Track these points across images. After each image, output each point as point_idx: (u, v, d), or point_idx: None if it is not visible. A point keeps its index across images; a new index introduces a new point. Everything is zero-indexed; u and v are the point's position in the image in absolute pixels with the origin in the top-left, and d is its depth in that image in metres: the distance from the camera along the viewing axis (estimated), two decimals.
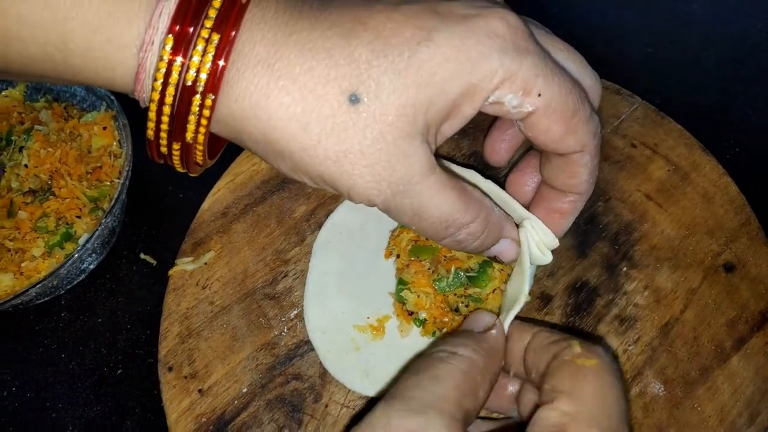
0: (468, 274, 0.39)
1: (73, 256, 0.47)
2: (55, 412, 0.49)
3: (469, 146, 0.52)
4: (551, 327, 0.35)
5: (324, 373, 0.43)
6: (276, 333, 0.45)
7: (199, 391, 0.43)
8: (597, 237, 0.48)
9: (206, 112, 0.28)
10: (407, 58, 0.28)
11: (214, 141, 0.31)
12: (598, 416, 0.27)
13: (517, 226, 0.37)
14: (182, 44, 0.26)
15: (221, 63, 0.27)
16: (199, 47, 0.26)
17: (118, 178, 0.52)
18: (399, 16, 0.28)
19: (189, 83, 0.27)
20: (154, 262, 0.54)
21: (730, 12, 0.68)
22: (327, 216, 0.49)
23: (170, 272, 0.47)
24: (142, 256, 0.54)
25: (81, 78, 0.28)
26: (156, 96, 0.27)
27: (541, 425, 0.27)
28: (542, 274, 0.46)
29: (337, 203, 0.49)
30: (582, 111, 0.31)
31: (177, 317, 0.46)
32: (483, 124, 0.53)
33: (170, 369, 0.44)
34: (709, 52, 0.64)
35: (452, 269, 0.39)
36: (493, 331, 0.34)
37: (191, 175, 0.32)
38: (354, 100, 0.28)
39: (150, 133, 0.29)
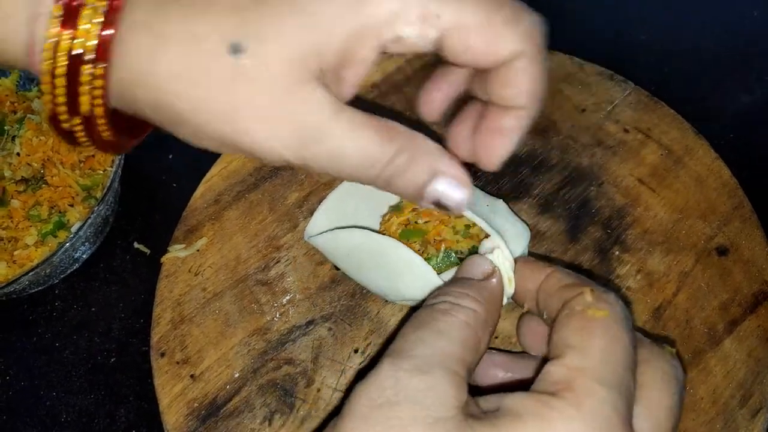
0: (458, 255, 0.39)
1: (65, 244, 0.47)
2: (49, 400, 0.49)
3: None
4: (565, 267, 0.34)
5: (316, 358, 0.43)
6: (268, 318, 0.45)
7: (191, 376, 0.43)
8: (589, 221, 0.48)
9: (98, 82, 0.27)
10: (289, 1, 0.26)
11: (136, 120, 0.30)
12: (604, 371, 0.26)
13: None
14: (70, 13, 0.26)
15: (109, 31, 0.26)
16: (86, 15, 0.26)
17: (111, 167, 0.52)
18: None
19: (77, 52, 0.26)
20: (147, 251, 0.54)
21: None
22: (319, 202, 0.48)
23: (162, 259, 0.47)
24: (136, 245, 0.54)
25: None
26: (47, 67, 0.26)
27: (547, 380, 0.27)
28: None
29: (330, 190, 0.49)
30: (501, 11, 0.28)
31: (169, 303, 0.46)
32: None
33: (162, 355, 0.44)
34: (705, 39, 0.64)
35: (442, 249, 0.39)
36: (493, 280, 0.33)
37: (112, 153, 0.32)
38: (236, 49, 0.26)
39: (47, 107, 0.28)
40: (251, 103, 0.27)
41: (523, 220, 0.44)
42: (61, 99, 0.27)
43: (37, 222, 0.50)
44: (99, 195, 0.51)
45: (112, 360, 0.50)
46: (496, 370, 0.34)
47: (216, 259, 0.47)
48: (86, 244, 0.51)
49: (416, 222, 0.41)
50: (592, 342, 0.27)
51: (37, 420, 0.48)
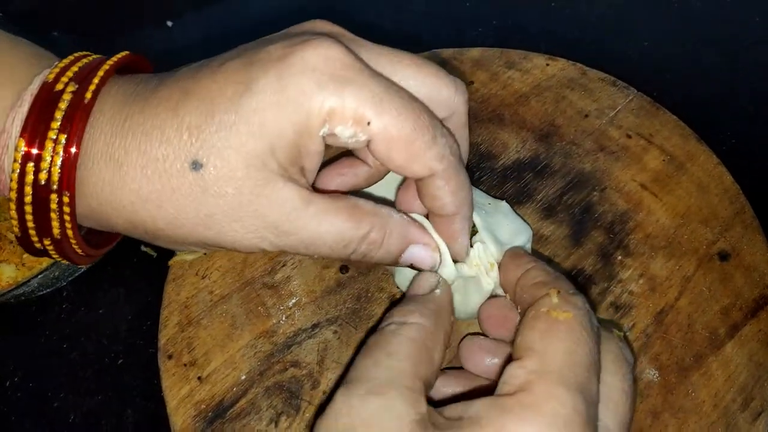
0: None
1: None
2: (57, 401, 0.49)
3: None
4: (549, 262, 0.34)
5: (322, 360, 0.43)
6: (274, 321, 0.45)
7: (199, 378, 0.43)
8: (592, 226, 0.48)
9: (66, 209, 0.29)
10: (234, 113, 0.28)
11: (105, 232, 0.33)
12: (565, 373, 0.26)
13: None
14: (33, 146, 0.28)
15: (70, 161, 0.28)
16: (49, 148, 0.28)
17: None
18: (220, 77, 0.29)
19: (43, 183, 0.28)
20: (154, 254, 0.54)
21: (728, 6, 0.68)
22: None
23: (170, 262, 0.48)
24: (143, 248, 0.55)
25: None
26: (14, 195, 0.28)
27: (508, 383, 0.27)
28: None
29: None
30: (423, 135, 0.30)
31: (177, 306, 0.46)
32: (480, 115, 0.54)
33: (170, 357, 0.44)
34: (707, 46, 0.65)
35: None
36: (437, 291, 0.34)
37: (80, 265, 0.34)
38: (196, 166, 0.28)
39: (16, 230, 0.30)
40: (223, 208, 0.29)
41: (526, 222, 0.45)
42: (31, 224, 0.29)
43: None
44: None
45: (120, 361, 0.50)
46: (482, 355, 0.35)
47: (223, 262, 0.48)
48: None
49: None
50: (554, 345, 0.27)
51: (45, 421, 0.48)
